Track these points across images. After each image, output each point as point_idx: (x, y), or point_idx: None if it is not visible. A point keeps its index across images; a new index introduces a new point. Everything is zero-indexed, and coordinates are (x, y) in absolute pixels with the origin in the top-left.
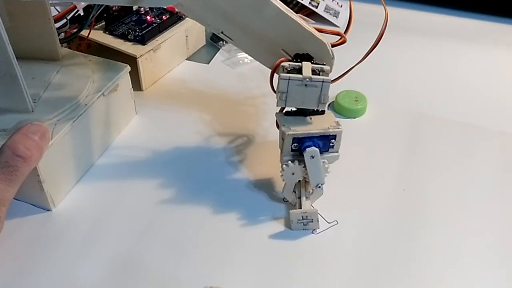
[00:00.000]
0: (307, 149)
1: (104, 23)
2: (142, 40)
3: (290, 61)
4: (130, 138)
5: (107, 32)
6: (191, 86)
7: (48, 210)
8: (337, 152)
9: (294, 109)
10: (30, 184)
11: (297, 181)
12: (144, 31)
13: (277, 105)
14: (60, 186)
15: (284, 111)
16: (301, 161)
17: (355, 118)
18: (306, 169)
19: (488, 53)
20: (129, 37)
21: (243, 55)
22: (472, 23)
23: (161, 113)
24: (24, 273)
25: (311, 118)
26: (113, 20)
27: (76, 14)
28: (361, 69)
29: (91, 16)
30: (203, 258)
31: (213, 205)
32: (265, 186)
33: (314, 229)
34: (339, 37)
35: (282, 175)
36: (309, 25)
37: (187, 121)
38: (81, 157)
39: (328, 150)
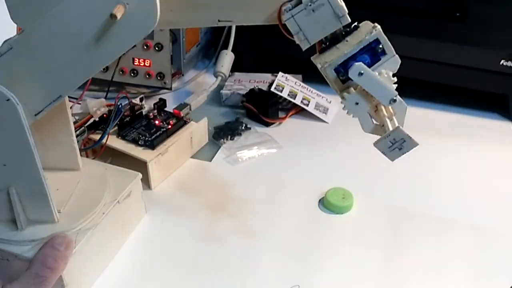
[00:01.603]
0: (349, 69)
1: (116, 128)
2: (152, 146)
3: (290, 0)
4: (141, 237)
5: (119, 137)
6: (195, 184)
7: None
8: (393, 55)
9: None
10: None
11: (372, 109)
12: (153, 137)
13: (303, 49)
14: (81, 287)
15: (318, 50)
16: (358, 85)
17: (342, 214)
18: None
19: (464, 147)
20: (139, 142)
21: (242, 153)
22: (450, 117)
23: (169, 211)
24: None
25: (347, 40)
26: (125, 125)
27: (92, 121)
28: (349, 166)
29: (108, 128)
30: None
31: None
32: (273, 277)
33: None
34: None
35: (347, 112)
36: None
37: (193, 218)
38: (99, 259)
39: (380, 59)
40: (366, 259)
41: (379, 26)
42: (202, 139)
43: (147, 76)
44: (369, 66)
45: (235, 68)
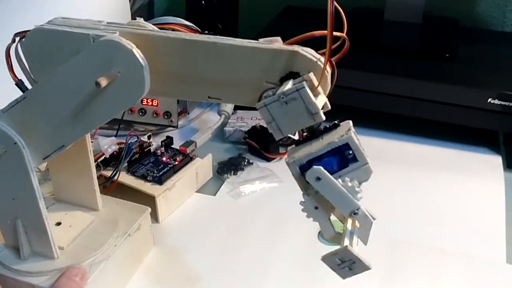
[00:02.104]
0: (307, 172)
1: (126, 164)
2: (160, 181)
3: (273, 88)
4: (149, 269)
5: (129, 173)
6: (201, 217)
7: None
8: (364, 163)
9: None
10: None
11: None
12: (160, 173)
13: (276, 139)
14: None
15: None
16: None
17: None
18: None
19: (456, 180)
20: (148, 178)
21: (245, 187)
22: (443, 152)
23: (176, 244)
24: None
25: (322, 138)
26: (134, 162)
27: (103, 158)
28: None
29: (119, 165)
30: None
31: None
32: None
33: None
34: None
35: (306, 215)
36: (273, 42)
37: (199, 250)
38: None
39: (348, 165)
40: (364, 285)
41: (352, 130)
42: (206, 174)
43: (155, 115)
44: (335, 172)
45: (238, 106)
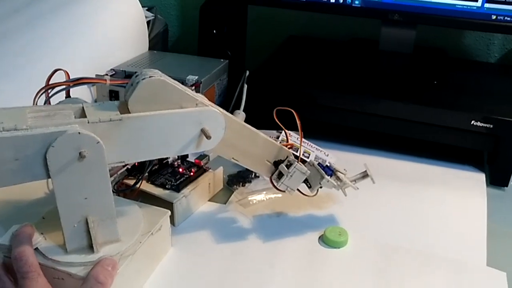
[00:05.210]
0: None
1: (147, 174)
2: (177, 189)
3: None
4: (167, 267)
5: (149, 182)
6: (212, 223)
7: None
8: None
9: None
10: None
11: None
12: (178, 182)
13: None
14: None
15: None
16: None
17: (339, 248)
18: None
19: (443, 193)
20: (166, 186)
21: (252, 197)
22: (432, 169)
23: (190, 245)
24: None
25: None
26: (154, 172)
27: (125, 168)
28: (344, 208)
29: (142, 175)
30: None
31: None
32: None
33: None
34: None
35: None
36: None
37: (210, 251)
38: (134, 282)
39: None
40: (359, 286)
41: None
42: (218, 185)
43: None
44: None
45: None
